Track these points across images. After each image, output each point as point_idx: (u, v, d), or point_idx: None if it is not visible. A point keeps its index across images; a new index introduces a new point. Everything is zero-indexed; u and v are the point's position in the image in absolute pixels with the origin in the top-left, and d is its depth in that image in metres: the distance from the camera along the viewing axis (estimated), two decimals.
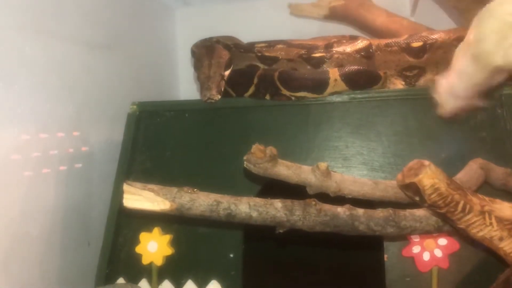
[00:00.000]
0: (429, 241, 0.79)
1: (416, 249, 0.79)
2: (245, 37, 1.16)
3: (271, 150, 0.65)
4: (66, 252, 0.95)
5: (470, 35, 0.62)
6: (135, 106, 0.99)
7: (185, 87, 1.47)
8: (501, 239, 0.61)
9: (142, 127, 0.98)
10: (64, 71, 0.95)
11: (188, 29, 1.47)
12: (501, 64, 0.59)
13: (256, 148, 0.65)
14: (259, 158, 0.65)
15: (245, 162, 0.67)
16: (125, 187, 0.65)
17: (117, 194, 0.93)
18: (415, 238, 0.79)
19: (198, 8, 1.47)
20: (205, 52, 0.96)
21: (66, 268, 0.95)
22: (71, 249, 0.96)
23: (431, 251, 0.79)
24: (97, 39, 1.07)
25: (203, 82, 0.89)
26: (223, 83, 0.90)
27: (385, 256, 0.82)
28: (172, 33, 1.47)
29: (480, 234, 0.62)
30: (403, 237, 0.78)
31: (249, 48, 1.01)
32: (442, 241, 0.78)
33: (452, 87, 0.69)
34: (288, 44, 1.00)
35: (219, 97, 0.88)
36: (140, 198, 0.65)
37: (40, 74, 0.89)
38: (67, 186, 0.95)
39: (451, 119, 0.76)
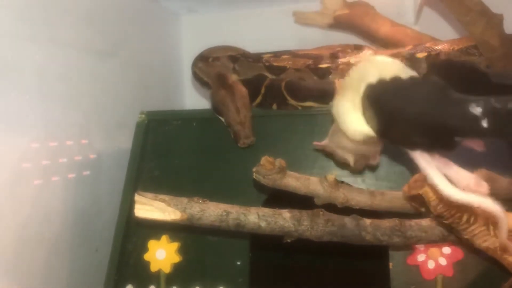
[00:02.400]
0: (433, 250, 0.80)
1: (420, 258, 0.80)
2: (251, 44, 1.17)
3: (280, 162, 0.67)
4: (74, 258, 0.96)
5: None
6: (143, 115, 1.00)
7: (190, 93, 1.48)
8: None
9: (151, 136, 0.99)
10: (72, 79, 0.96)
11: (194, 36, 1.48)
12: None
13: (265, 160, 0.66)
14: (268, 170, 0.67)
15: (254, 174, 0.68)
16: (137, 197, 0.66)
17: (126, 201, 0.94)
18: (420, 247, 0.80)
19: (203, 15, 1.48)
20: (219, 84, 0.96)
21: (74, 274, 0.96)
22: (79, 255, 0.98)
23: (436, 259, 0.80)
24: (104, 47, 1.08)
25: (238, 129, 0.88)
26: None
27: (390, 264, 0.83)
28: (178, 40, 1.48)
29: (485, 244, 0.63)
30: (408, 246, 0.79)
31: (257, 58, 1.02)
32: (447, 249, 0.79)
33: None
34: (293, 54, 1.02)
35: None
36: (151, 208, 0.66)
37: (50, 83, 0.90)
38: (75, 194, 0.97)
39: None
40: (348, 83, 0.61)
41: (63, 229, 0.93)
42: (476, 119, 0.40)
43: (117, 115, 1.11)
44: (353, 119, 0.58)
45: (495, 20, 0.82)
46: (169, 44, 1.44)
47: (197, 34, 1.47)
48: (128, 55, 1.18)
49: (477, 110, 0.40)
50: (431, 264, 0.80)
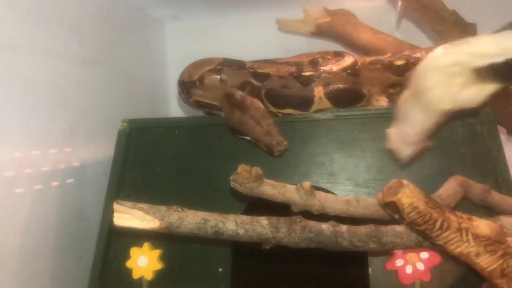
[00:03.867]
0: (411, 255, 0.81)
1: (399, 263, 0.82)
2: (235, 51, 1.18)
3: (256, 170, 0.67)
4: (58, 266, 0.97)
5: (414, 88, 0.71)
6: (125, 123, 1.00)
7: (175, 101, 1.49)
8: (477, 255, 0.63)
9: (133, 144, 1.00)
10: (56, 87, 0.97)
11: (179, 44, 1.49)
12: (450, 107, 0.69)
13: (242, 168, 0.67)
14: (245, 178, 0.67)
15: (231, 182, 0.69)
16: (115, 206, 0.66)
17: (108, 209, 0.94)
18: (398, 252, 0.81)
19: (188, 23, 1.49)
20: (230, 104, 0.92)
21: (58, 282, 0.96)
22: (63, 263, 0.98)
23: (414, 264, 0.81)
24: (88, 55, 1.09)
25: (268, 140, 0.86)
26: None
27: (370, 269, 0.84)
28: (163, 47, 1.49)
29: (458, 250, 0.64)
30: (385, 252, 0.80)
31: (241, 65, 1.02)
32: (424, 254, 0.81)
33: (405, 136, 0.76)
34: (274, 62, 1.02)
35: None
36: (130, 216, 0.67)
37: (34, 91, 0.91)
38: (59, 202, 0.97)
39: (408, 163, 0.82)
40: (447, 77, 0.67)
41: (47, 237, 0.94)
42: None
43: (101, 123, 1.11)
44: (472, 91, 0.67)
45: (468, 29, 0.84)
46: (154, 51, 1.45)
47: (182, 41, 1.48)
48: (113, 63, 1.19)
49: None
50: (409, 269, 0.81)
